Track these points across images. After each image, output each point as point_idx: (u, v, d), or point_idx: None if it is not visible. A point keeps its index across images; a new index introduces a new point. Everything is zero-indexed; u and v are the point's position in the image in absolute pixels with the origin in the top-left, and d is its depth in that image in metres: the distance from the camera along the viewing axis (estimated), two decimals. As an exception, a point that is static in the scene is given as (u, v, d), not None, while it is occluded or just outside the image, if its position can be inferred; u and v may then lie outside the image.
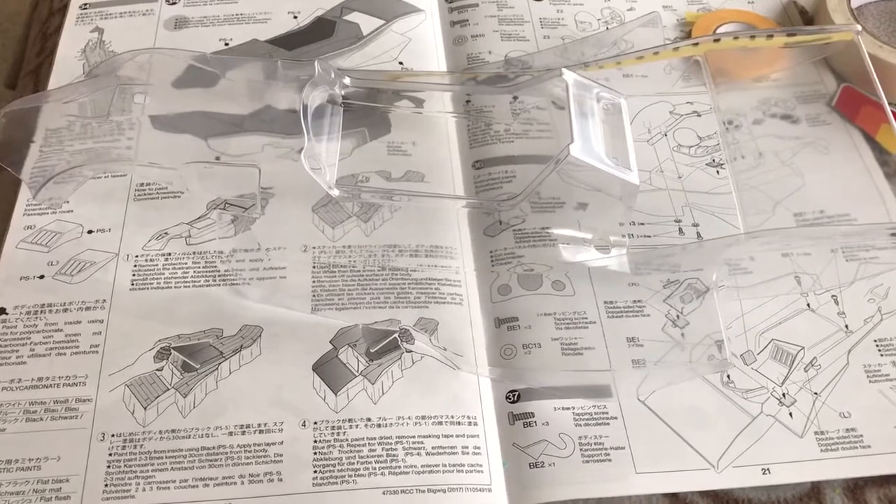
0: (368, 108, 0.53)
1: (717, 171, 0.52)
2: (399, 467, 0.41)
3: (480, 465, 0.42)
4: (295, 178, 0.47)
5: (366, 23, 0.59)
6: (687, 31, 0.60)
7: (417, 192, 0.50)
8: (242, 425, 0.42)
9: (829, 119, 0.55)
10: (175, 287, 0.47)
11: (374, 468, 0.41)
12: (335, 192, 0.46)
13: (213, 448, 0.42)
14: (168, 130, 0.52)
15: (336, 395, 0.43)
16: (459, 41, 0.60)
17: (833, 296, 0.48)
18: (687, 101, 0.56)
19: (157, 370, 0.44)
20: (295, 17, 0.60)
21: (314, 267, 0.48)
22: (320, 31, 0.59)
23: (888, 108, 0.48)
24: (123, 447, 0.42)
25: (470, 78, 0.56)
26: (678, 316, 0.46)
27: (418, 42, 0.59)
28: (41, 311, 0.46)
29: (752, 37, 0.52)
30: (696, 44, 0.52)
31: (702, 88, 0.55)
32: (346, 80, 0.51)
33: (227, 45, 0.58)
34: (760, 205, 0.51)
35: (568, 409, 0.44)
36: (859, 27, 0.51)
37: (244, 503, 0.40)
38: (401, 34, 0.59)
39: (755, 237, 0.44)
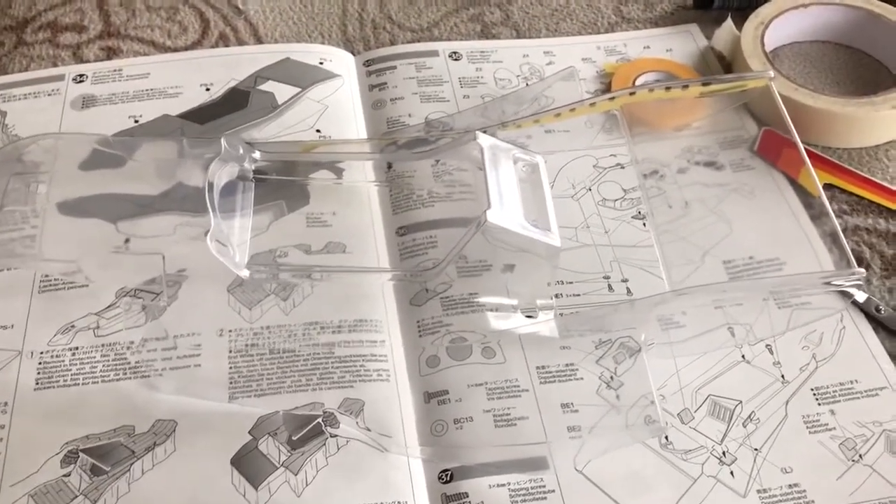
0: (284, 181, 0.51)
1: (644, 224, 0.52)
2: (326, 564, 0.39)
3: (413, 555, 0.40)
4: (209, 258, 0.45)
5: (281, 91, 0.58)
6: (607, 82, 0.60)
7: (337, 267, 0.48)
8: (156, 531, 0.40)
9: (752, 164, 0.55)
10: (83, 383, 0.44)
11: (300, 567, 0.39)
12: (245, 273, 0.44)
13: (125, 558, 0.39)
14: (76, 215, 0.50)
15: (257, 490, 0.41)
16: (378, 105, 0.59)
17: (767, 345, 0.47)
18: (610, 153, 0.55)
19: (63, 476, 0.41)
20: (208, 90, 0.58)
21: (231, 352, 0.45)
22: (234, 103, 0.57)
23: (803, 151, 0.48)
24: (27, 565, 0.39)
25: (390, 143, 0.54)
26: (612, 377, 0.45)
27: (336, 108, 0.58)
28: (-64, 421, 0.43)
29: (668, 88, 0.52)
30: (613, 98, 0.52)
31: (624, 140, 0.55)
32: (256, 155, 0.49)
33: (136, 122, 0.56)
34: (689, 255, 0.50)
35: (504, 485, 0.42)
36: (772, 73, 0.51)
37: None
38: (317, 101, 0.58)
39: (681, 294, 0.43)
